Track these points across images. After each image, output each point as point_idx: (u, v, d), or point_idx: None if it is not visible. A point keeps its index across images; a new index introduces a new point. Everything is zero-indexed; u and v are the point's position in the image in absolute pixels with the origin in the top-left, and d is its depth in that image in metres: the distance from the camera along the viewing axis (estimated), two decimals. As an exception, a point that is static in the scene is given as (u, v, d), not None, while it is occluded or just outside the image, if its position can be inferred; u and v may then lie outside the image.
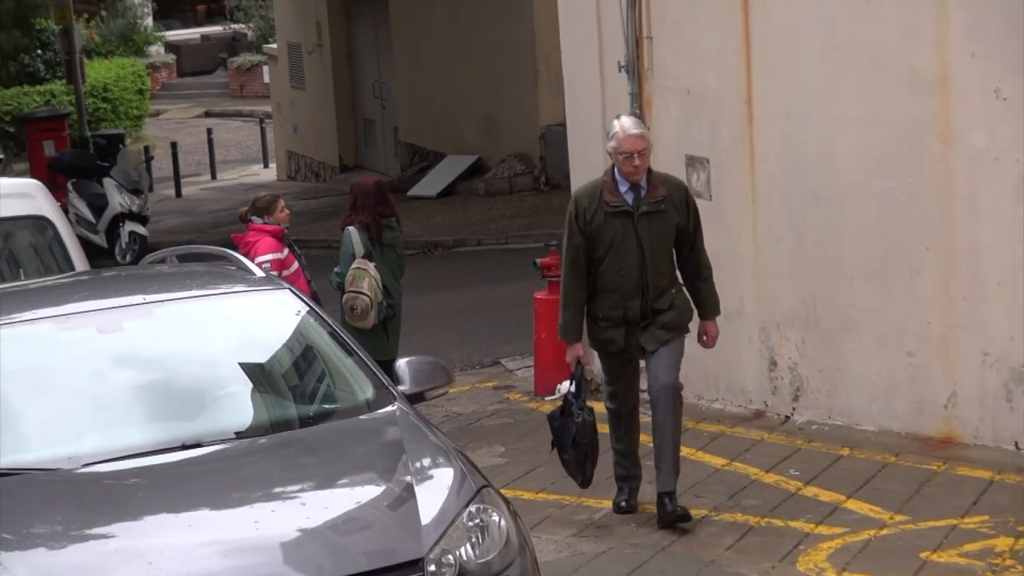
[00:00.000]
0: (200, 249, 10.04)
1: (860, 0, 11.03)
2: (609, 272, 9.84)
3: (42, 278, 10.89)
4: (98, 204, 25.57)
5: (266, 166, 38.83)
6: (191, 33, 56.36)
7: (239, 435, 7.11)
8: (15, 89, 40.60)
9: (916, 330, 10.82)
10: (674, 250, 9.98)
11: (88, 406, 7.25)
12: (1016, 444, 10.14)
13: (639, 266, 9.76)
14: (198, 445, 6.92)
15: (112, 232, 25.17)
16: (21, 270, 11.83)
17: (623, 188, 9.76)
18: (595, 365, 10.97)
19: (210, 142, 38.16)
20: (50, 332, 7.76)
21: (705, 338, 10.24)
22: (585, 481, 10.01)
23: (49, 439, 7.02)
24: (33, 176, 21.12)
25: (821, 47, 11.42)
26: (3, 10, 42.21)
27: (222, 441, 7.00)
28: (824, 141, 11.45)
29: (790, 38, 11.71)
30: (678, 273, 10.16)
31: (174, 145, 37.15)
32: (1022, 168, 9.88)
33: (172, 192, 35.48)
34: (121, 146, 28.61)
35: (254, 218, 13.31)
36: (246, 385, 7.60)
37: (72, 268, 11.68)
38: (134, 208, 25.62)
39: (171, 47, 54.16)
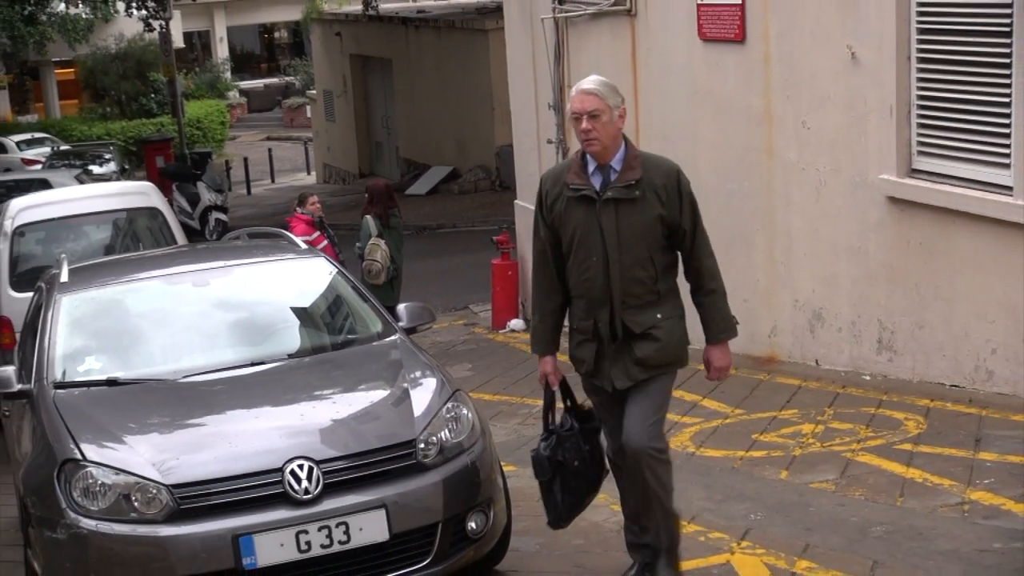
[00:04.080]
0: (263, 230, 10.01)
1: (712, 60, 11.08)
2: (575, 272, 5.79)
3: (155, 250, 10.88)
4: (193, 200, 25.50)
5: (308, 174, 38.77)
6: (257, 83, 56.31)
7: (290, 356, 7.07)
8: (136, 121, 40.68)
9: (750, 285, 10.88)
10: (666, 252, 5.77)
11: (187, 336, 7.23)
12: (816, 361, 10.21)
13: (603, 266, 5.69)
14: (262, 363, 6.91)
15: (203, 219, 25.11)
16: (140, 244, 11.82)
17: (591, 168, 5.71)
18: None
19: (270, 157, 38.16)
20: (162, 286, 7.73)
21: (708, 370, 5.98)
22: (552, 520, 6.07)
23: (161, 359, 7.00)
24: (148, 180, 20.99)
25: (686, 92, 11.47)
26: (127, 67, 42.01)
27: (278, 360, 6.98)
28: (688, 156, 11.42)
29: (664, 87, 11.77)
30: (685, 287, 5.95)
31: (245, 159, 37.13)
32: (820, 175, 9.94)
33: (244, 191, 35.36)
34: (209, 160, 28.50)
35: (296, 209, 13.41)
36: (294, 322, 7.56)
37: (175, 243, 11.68)
38: (218, 202, 25.60)
39: (243, 92, 54.07)
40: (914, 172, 9.05)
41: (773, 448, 8.27)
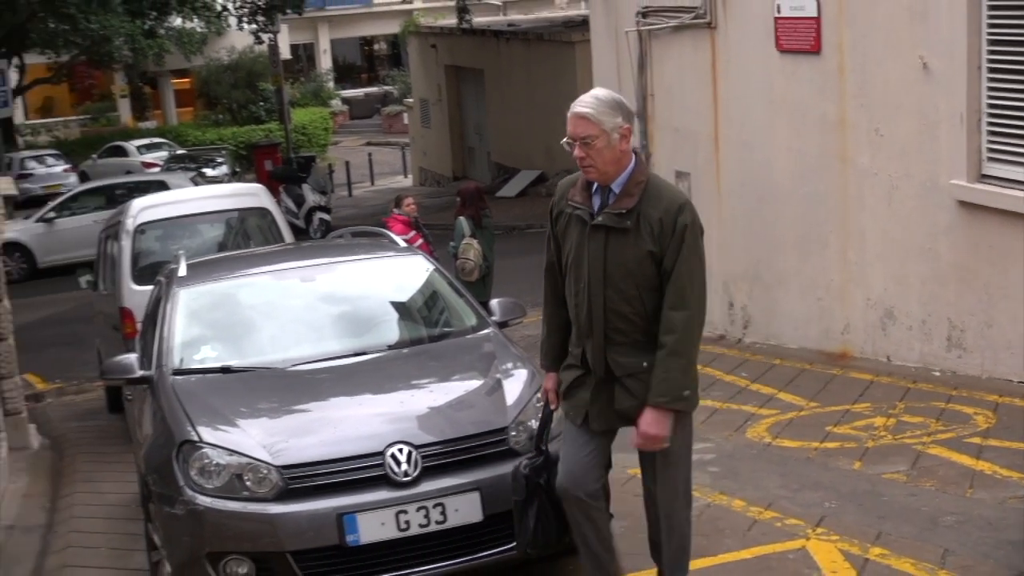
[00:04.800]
0: (366, 229, 10.03)
1: (789, 71, 10.95)
2: (569, 293, 5.15)
3: (264, 247, 10.97)
4: (299, 201, 25.69)
5: (405, 177, 38.91)
6: (358, 92, 56.65)
7: (390, 347, 7.09)
8: (246, 127, 41.13)
9: (824, 284, 10.77)
10: (662, 291, 4.90)
11: (294, 328, 7.26)
12: (887, 358, 10.04)
13: (587, 296, 4.98)
14: (364, 353, 6.93)
15: (308, 219, 25.30)
16: (251, 242, 11.93)
17: (595, 186, 5.04)
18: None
19: (370, 161, 38.33)
20: (271, 281, 7.79)
21: (636, 434, 4.96)
22: (519, 545, 5.45)
23: (270, 348, 7.03)
24: (258, 182, 21.20)
25: (764, 101, 11.35)
26: (239, 77, 42.51)
27: (379, 351, 7.00)
28: (765, 162, 11.40)
29: (743, 96, 11.66)
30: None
31: (347, 163, 37.32)
32: (892, 180, 9.79)
33: (346, 193, 35.59)
34: (313, 164, 28.72)
35: (393, 210, 13.46)
36: (394, 315, 7.58)
37: (283, 241, 11.77)
38: (322, 203, 25.78)
39: (345, 100, 54.45)
40: (984, 177, 8.87)
41: (846, 440, 8.14)
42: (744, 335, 11.91)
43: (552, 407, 5.42)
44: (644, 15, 13.24)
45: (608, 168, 4.94)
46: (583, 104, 4.92)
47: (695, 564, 6.09)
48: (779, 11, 10.93)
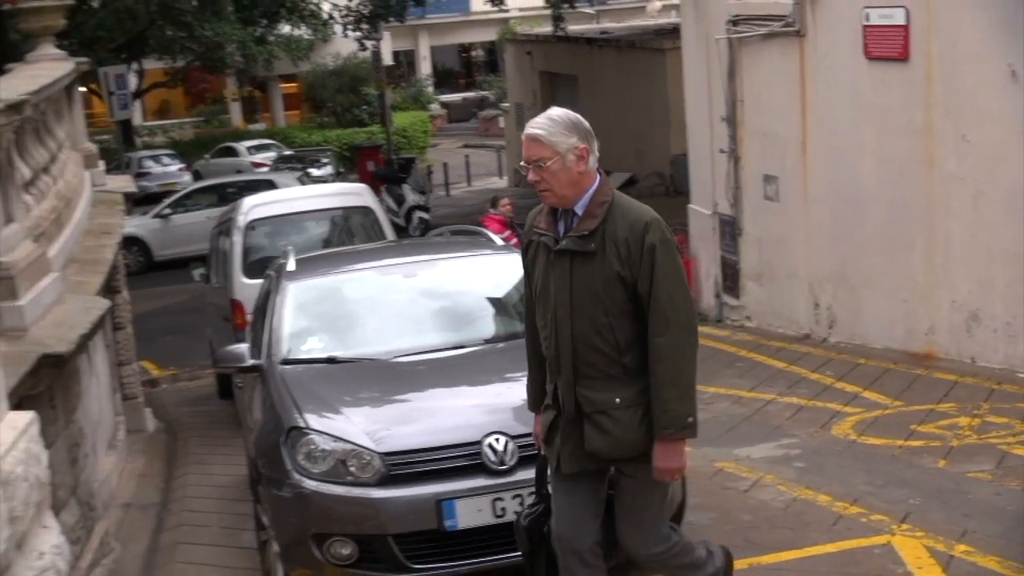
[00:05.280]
0: (464, 228, 10.05)
1: (877, 78, 10.79)
2: (540, 325, 4.71)
3: (367, 244, 11.04)
4: (399, 200, 25.81)
5: (501, 178, 38.91)
6: (456, 96, 56.79)
7: (486, 341, 7.06)
8: (350, 130, 41.46)
9: (909, 286, 10.60)
10: (636, 320, 4.47)
11: (396, 321, 7.26)
12: (972, 359, 9.86)
13: (555, 328, 4.54)
14: (462, 347, 6.93)
15: (408, 218, 25.43)
16: (354, 239, 12.01)
17: (560, 212, 4.60)
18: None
19: (467, 163, 38.38)
20: (375, 276, 7.82)
21: (654, 470, 4.49)
22: None
23: (373, 341, 7.04)
24: (361, 182, 21.36)
25: (851, 107, 11.19)
26: (343, 82, 42.91)
27: (476, 344, 6.98)
28: (852, 167, 11.23)
29: (831, 102, 11.49)
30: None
31: (445, 164, 37.43)
32: (977, 185, 9.61)
33: (443, 193, 35.72)
34: (413, 165, 28.86)
35: (490, 210, 13.47)
36: (491, 310, 7.55)
37: (385, 239, 11.83)
38: (421, 202, 25.91)
39: (444, 104, 54.60)
40: (1072, 183, 8.68)
41: (931, 438, 8.00)
42: (829, 334, 11.75)
43: (544, 452, 4.89)
44: (734, 23, 13.11)
45: (565, 191, 4.50)
46: (535, 125, 4.50)
47: (782, 556, 6.04)
48: (868, 19, 10.76)
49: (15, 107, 6.88)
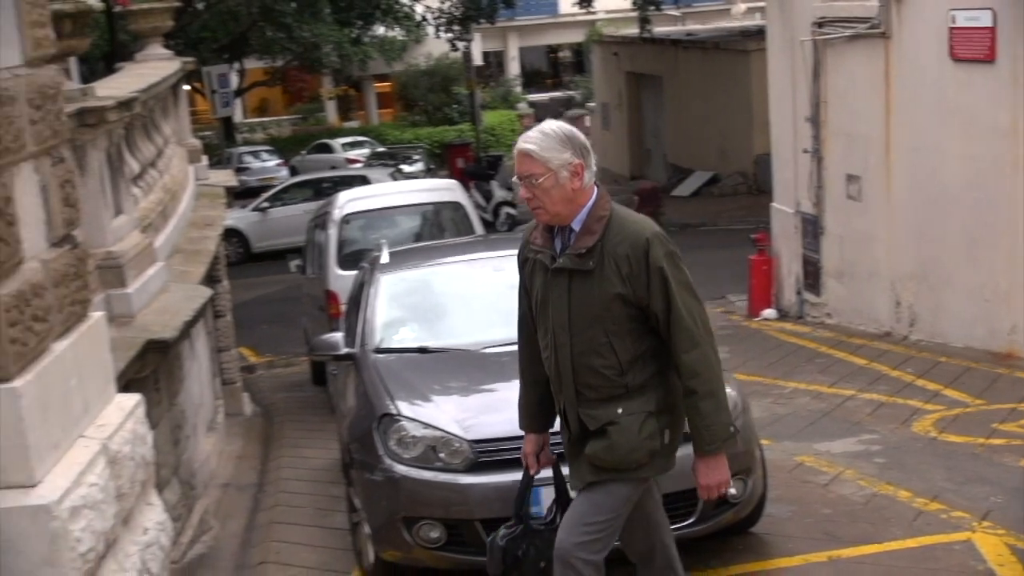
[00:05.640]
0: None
1: (962, 79, 10.58)
2: (541, 345, 4.43)
3: (457, 238, 11.07)
4: (487, 196, 25.86)
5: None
6: (543, 96, 56.64)
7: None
8: (440, 128, 41.57)
9: (991, 286, 10.39)
10: (638, 338, 4.18)
11: (484, 313, 7.22)
12: (1054, 359, 9.68)
13: (554, 347, 4.27)
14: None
15: (496, 213, 25.47)
16: (445, 233, 12.05)
17: (556, 228, 4.30)
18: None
19: (553, 161, 38.34)
20: (465, 269, 7.82)
21: (697, 487, 4.30)
22: None
23: (462, 332, 7.04)
24: (451, 178, 21.44)
25: (936, 109, 10.98)
26: (435, 82, 43.08)
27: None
28: (935, 167, 11.03)
29: (915, 103, 11.29)
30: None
31: (532, 162, 37.42)
32: (1065, 186, 9.40)
33: (529, 190, 35.69)
34: (501, 162, 28.89)
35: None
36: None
37: (474, 233, 11.85)
38: (509, 198, 25.90)
39: (531, 104, 54.55)
40: None
41: (1013, 437, 7.82)
42: (910, 332, 11.55)
43: (531, 472, 4.70)
44: (819, 25, 12.94)
45: (559, 209, 4.16)
46: (527, 140, 4.16)
47: (862, 549, 5.94)
48: (954, 21, 10.56)
49: (125, 104, 7.01)
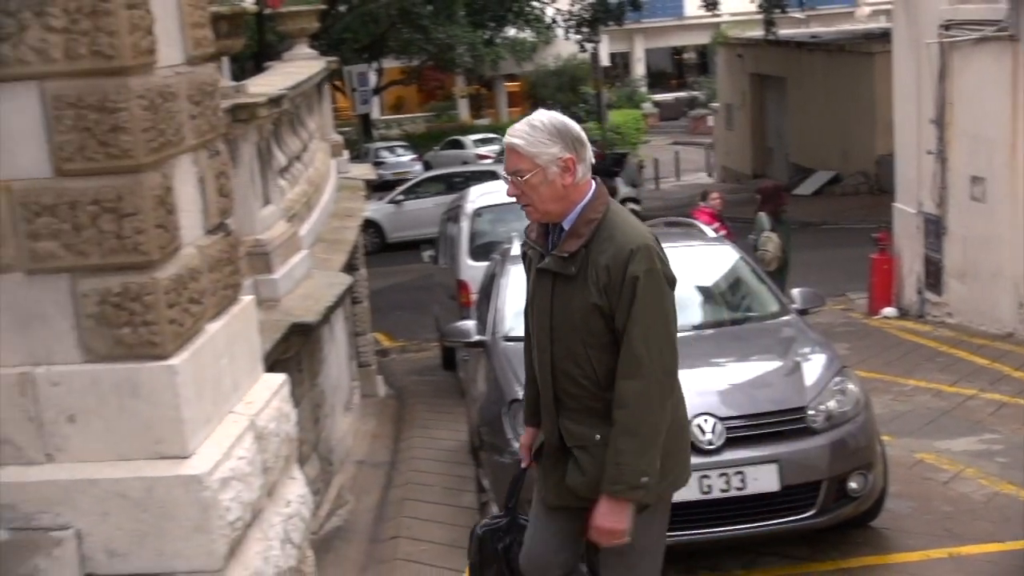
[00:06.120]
0: (678, 219, 9.92)
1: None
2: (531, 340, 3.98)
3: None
4: (612, 192, 25.61)
5: (709, 175, 38.41)
6: (668, 96, 56.34)
7: (695, 327, 6.89)
8: (568, 126, 41.34)
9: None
10: (616, 353, 3.63)
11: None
12: None
13: (538, 350, 3.86)
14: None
15: (620, 209, 25.35)
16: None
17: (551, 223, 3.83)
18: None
19: (676, 159, 38.04)
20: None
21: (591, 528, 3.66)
22: None
23: (589, 322, 7.00)
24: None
25: (1065, 110, 10.60)
26: (563, 81, 43.07)
27: (685, 330, 6.73)
28: (1063, 169, 10.65)
29: (1044, 104, 10.91)
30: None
31: (655, 160, 37.17)
32: None
33: (653, 187, 35.47)
34: (626, 159, 28.77)
35: (700, 203, 13.29)
36: (699, 298, 7.40)
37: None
38: (633, 195, 25.82)
39: (656, 104, 54.23)
40: None
41: None
42: (1033, 334, 11.18)
43: (524, 465, 4.27)
44: (946, 28, 12.56)
45: (549, 207, 3.70)
46: (513, 134, 3.69)
47: (982, 548, 5.77)
48: (1085, 23, 10.16)
49: (275, 101, 7.13)
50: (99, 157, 3.47)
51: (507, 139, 3.70)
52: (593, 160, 3.89)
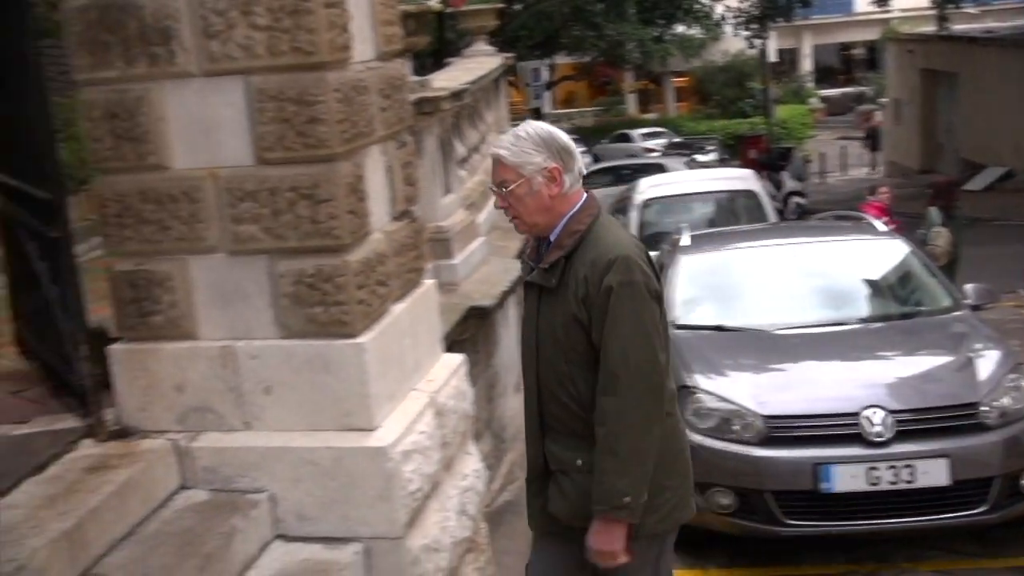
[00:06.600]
0: (847, 213, 9.66)
1: None
2: None
3: (752, 225, 10.83)
4: (777, 185, 25.19)
5: (872, 169, 37.28)
6: (835, 91, 54.92)
7: (862, 320, 6.75)
8: (733, 120, 40.85)
9: None
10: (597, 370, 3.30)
11: (780, 297, 7.04)
12: None
13: (526, 365, 3.54)
14: (839, 324, 6.64)
15: (785, 202, 24.83)
16: (739, 219, 11.83)
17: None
18: None
19: (842, 154, 37.09)
20: (762, 253, 7.64)
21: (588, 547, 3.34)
22: None
23: (757, 313, 6.87)
24: (743, 168, 21.01)
25: None
26: (730, 77, 42.50)
27: (853, 323, 6.68)
28: None
29: None
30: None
31: (822, 154, 36.31)
32: None
33: (818, 181, 34.64)
34: (792, 153, 28.18)
35: (868, 197, 12.91)
36: (870, 291, 7.22)
37: (768, 221, 11.58)
38: (798, 188, 25.28)
39: (823, 99, 52.95)
40: None
41: None
42: None
43: None
44: None
45: (536, 219, 3.43)
46: (498, 144, 3.45)
47: None
48: None
49: (457, 95, 7.22)
50: (297, 147, 3.56)
51: (492, 150, 3.48)
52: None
